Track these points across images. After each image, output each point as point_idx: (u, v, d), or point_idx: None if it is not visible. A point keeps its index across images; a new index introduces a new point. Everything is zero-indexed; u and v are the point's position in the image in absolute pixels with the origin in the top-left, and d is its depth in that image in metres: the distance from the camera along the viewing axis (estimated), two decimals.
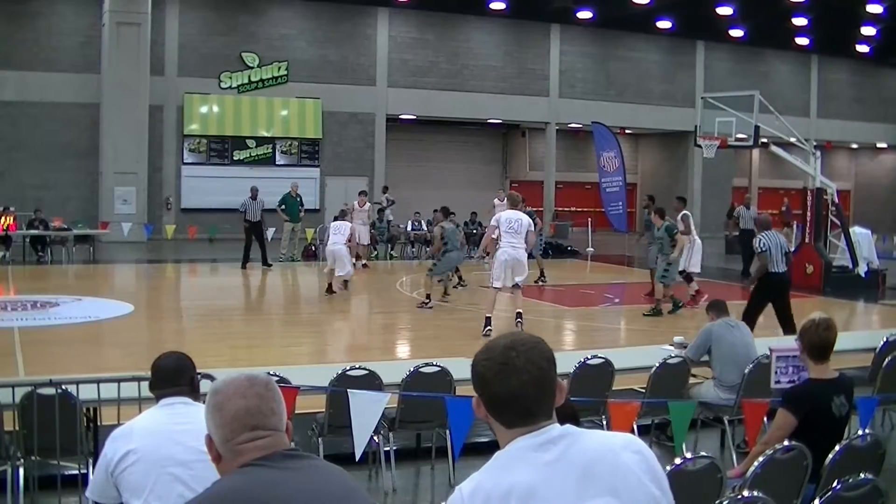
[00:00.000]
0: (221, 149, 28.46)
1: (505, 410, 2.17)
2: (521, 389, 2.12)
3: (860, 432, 4.50)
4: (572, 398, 4.81)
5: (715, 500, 3.70)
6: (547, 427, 2.13)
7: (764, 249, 10.48)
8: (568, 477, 2.06)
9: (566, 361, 6.63)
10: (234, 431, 2.21)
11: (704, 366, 7.01)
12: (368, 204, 21.33)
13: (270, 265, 19.57)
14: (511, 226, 11.65)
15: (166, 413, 3.24)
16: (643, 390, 6.64)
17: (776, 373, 6.09)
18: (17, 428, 5.09)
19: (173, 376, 3.40)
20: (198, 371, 3.57)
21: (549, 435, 2.12)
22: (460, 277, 17.05)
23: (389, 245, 23.82)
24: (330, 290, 15.53)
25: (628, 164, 27.99)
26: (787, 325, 10.29)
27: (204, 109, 28.30)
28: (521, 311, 11.87)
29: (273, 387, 2.30)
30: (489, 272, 12.53)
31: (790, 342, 4.91)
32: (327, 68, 29.48)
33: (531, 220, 12.14)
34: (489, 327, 11.46)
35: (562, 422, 2.22)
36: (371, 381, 5.76)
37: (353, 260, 16.66)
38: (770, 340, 7.78)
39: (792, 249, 10.64)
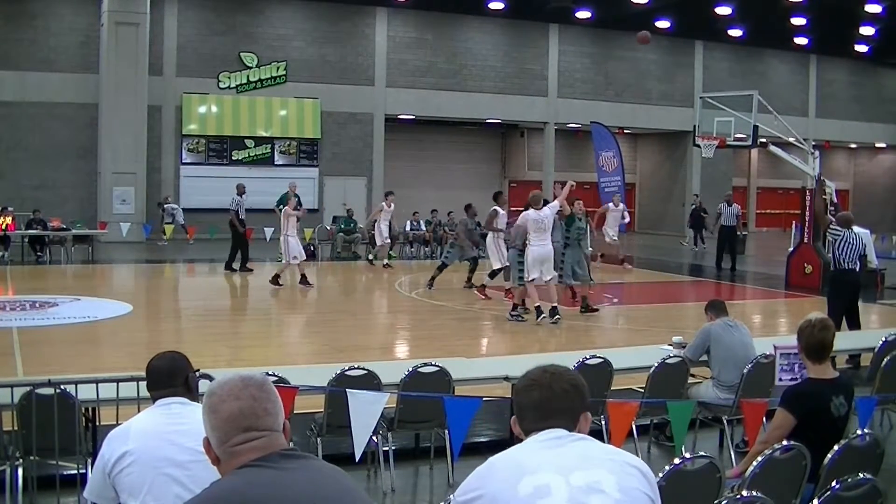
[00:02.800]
0: (220, 149, 28.46)
1: (525, 418, 2.53)
2: (540, 401, 2.50)
3: (859, 432, 4.49)
4: None
5: (714, 500, 3.69)
6: (557, 430, 2.47)
7: (834, 240, 10.50)
8: (566, 455, 2.40)
9: (565, 361, 6.61)
10: (229, 433, 2.21)
11: (703, 366, 7.01)
12: (393, 205, 21.33)
13: (236, 270, 18.92)
14: (538, 225, 12.54)
15: (162, 414, 3.24)
16: (642, 390, 6.64)
17: (780, 370, 6.09)
18: (15, 428, 5.09)
19: (167, 377, 3.40)
20: (197, 371, 3.56)
21: (557, 433, 2.46)
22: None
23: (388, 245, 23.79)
24: (305, 281, 16.47)
25: (627, 164, 27.97)
26: (853, 324, 10.45)
27: (202, 109, 28.30)
28: (556, 305, 12.62)
29: (268, 387, 2.30)
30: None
31: (794, 340, 4.90)
32: (326, 68, 29.48)
33: (553, 205, 12.86)
34: (544, 315, 12.38)
35: None
36: (370, 381, 5.76)
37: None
38: (769, 340, 7.78)
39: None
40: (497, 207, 15.64)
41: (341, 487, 2.20)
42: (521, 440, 2.54)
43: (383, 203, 21.21)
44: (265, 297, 16.09)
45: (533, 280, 12.55)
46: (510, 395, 2.64)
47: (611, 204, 21.75)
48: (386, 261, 21.05)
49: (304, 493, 2.11)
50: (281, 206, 21.68)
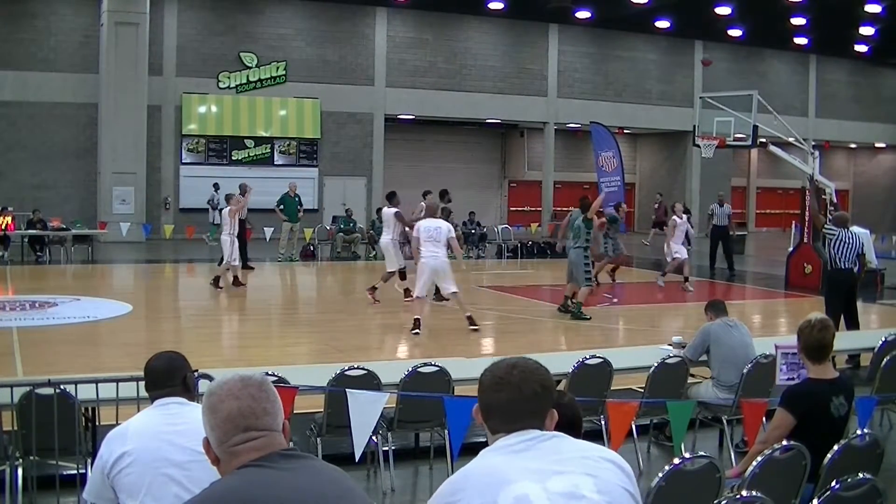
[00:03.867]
0: (220, 149, 28.45)
1: (492, 418, 2.41)
2: (508, 404, 2.37)
3: (858, 432, 4.50)
4: None
5: (713, 500, 3.70)
6: (527, 431, 2.37)
7: (830, 240, 10.59)
8: (541, 459, 2.30)
9: (565, 361, 6.63)
10: (228, 433, 2.21)
11: (703, 366, 7.01)
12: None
13: (252, 267, 19.09)
14: (430, 234, 11.86)
15: (161, 414, 3.24)
16: (642, 390, 6.64)
17: (781, 370, 6.10)
18: (15, 428, 5.09)
19: (164, 377, 3.40)
20: (196, 371, 3.57)
21: (529, 435, 2.36)
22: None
23: None
24: (217, 283, 16.11)
25: (627, 164, 27.90)
26: (851, 323, 10.48)
27: (202, 109, 28.29)
28: (470, 314, 12.00)
29: (267, 387, 2.30)
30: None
31: (795, 340, 4.91)
32: (325, 68, 29.48)
33: (451, 227, 12.32)
34: (417, 329, 11.64)
35: (564, 425, 2.51)
36: (370, 381, 5.76)
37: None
38: (769, 340, 7.78)
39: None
40: (398, 209, 15.57)
41: (341, 487, 2.20)
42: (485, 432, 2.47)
43: (423, 203, 20.66)
44: (264, 297, 16.09)
45: (422, 297, 12.04)
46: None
47: (675, 217, 18.52)
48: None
49: (303, 494, 2.11)
50: (281, 206, 21.75)
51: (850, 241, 10.42)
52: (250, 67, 28.62)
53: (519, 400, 2.35)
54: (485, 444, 2.45)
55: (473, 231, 24.63)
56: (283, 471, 2.15)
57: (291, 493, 2.10)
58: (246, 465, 2.16)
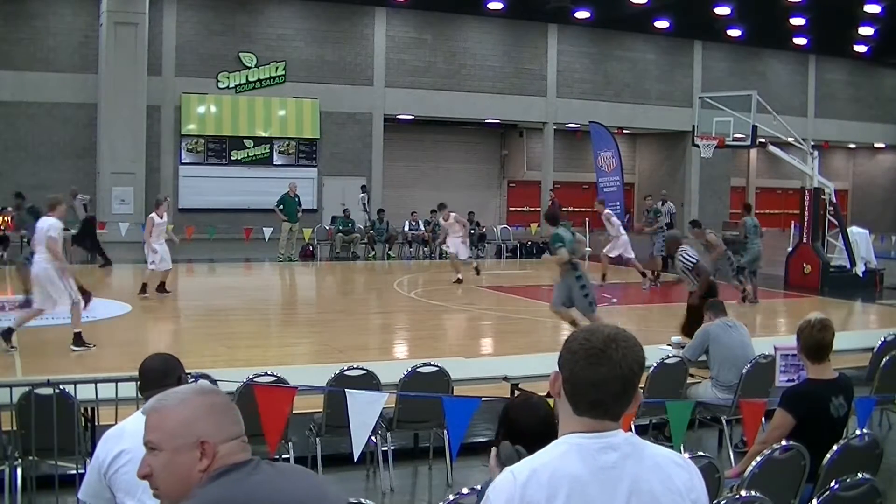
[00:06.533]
0: (219, 149, 28.44)
1: (581, 396, 2.13)
2: (605, 382, 2.10)
3: (858, 432, 4.50)
4: None
5: (713, 501, 3.69)
6: (612, 431, 2.13)
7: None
8: (619, 486, 2.08)
9: None
10: (214, 436, 2.20)
11: (702, 366, 7.01)
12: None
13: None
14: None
15: None
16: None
17: (780, 371, 6.10)
18: (14, 428, 5.09)
19: (159, 377, 3.42)
20: (195, 371, 3.57)
21: (612, 440, 2.12)
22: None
23: (387, 245, 23.84)
24: (163, 288, 15.27)
25: (626, 164, 27.98)
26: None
27: (201, 109, 28.28)
28: (78, 330, 10.44)
29: (226, 397, 2.31)
30: None
31: (794, 340, 4.91)
32: (325, 68, 29.47)
33: (54, 225, 10.20)
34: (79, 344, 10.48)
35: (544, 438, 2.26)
36: (369, 381, 5.77)
37: None
38: (768, 340, 7.79)
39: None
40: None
41: (320, 492, 2.23)
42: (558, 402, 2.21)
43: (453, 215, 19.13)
44: (264, 297, 16.08)
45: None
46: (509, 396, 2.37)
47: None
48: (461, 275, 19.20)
49: (287, 497, 2.12)
50: (280, 206, 21.76)
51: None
52: (249, 67, 28.61)
53: (616, 378, 2.09)
54: (484, 444, 2.42)
55: (473, 231, 24.62)
56: (266, 475, 2.15)
57: (276, 496, 2.10)
58: (227, 469, 2.14)
